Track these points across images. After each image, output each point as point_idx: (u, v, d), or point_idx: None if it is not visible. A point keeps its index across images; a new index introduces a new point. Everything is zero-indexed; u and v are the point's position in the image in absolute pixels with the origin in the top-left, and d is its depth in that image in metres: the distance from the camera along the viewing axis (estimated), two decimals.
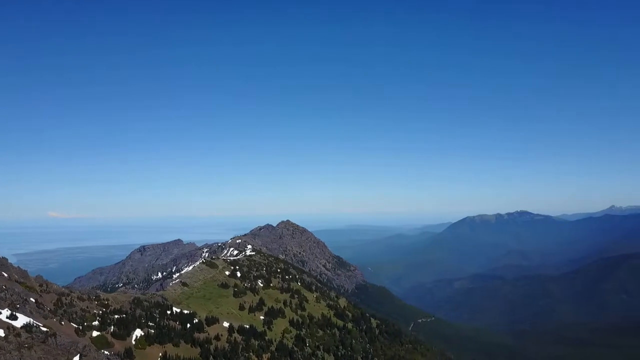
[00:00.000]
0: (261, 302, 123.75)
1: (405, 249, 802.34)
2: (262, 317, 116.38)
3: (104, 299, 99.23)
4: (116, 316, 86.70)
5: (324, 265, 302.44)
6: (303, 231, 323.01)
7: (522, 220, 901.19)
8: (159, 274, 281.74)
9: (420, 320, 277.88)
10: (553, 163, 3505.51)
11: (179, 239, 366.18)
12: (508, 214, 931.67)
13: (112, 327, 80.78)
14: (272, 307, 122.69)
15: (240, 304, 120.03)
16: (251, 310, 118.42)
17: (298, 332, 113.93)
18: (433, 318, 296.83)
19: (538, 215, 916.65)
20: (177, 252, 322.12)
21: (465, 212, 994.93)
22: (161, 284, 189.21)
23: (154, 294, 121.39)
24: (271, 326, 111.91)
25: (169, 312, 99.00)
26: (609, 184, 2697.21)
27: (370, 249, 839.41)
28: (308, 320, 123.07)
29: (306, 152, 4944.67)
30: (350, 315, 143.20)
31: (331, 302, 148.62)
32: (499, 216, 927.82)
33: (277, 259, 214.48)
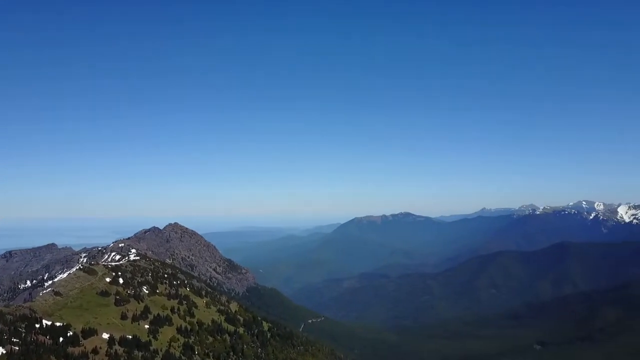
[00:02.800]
0: (146, 310, 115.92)
1: (296, 249, 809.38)
2: (147, 326, 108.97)
3: None
4: None
5: (214, 269, 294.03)
6: (192, 234, 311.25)
7: (405, 221, 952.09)
8: (28, 282, 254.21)
9: (310, 321, 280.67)
10: (431, 168, 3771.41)
11: (52, 243, 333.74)
12: (393, 215, 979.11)
13: None
14: (158, 314, 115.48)
15: (122, 312, 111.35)
16: (135, 319, 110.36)
17: (186, 340, 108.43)
18: (323, 318, 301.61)
19: (419, 216, 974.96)
20: (51, 258, 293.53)
21: (353, 213, 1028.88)
22: (30, 294, 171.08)
23: (20, 305, 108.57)
24: (157, 335, 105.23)
25: (37, 325, 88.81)
26: (481, 188, 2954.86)
27: (262, 250, 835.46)
28: (197, 327, 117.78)
29: (196, 153, 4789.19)
30: (241, 319, 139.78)
31: (222, 307, 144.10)
32: (384, 217, 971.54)
33: (164, 263, 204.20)
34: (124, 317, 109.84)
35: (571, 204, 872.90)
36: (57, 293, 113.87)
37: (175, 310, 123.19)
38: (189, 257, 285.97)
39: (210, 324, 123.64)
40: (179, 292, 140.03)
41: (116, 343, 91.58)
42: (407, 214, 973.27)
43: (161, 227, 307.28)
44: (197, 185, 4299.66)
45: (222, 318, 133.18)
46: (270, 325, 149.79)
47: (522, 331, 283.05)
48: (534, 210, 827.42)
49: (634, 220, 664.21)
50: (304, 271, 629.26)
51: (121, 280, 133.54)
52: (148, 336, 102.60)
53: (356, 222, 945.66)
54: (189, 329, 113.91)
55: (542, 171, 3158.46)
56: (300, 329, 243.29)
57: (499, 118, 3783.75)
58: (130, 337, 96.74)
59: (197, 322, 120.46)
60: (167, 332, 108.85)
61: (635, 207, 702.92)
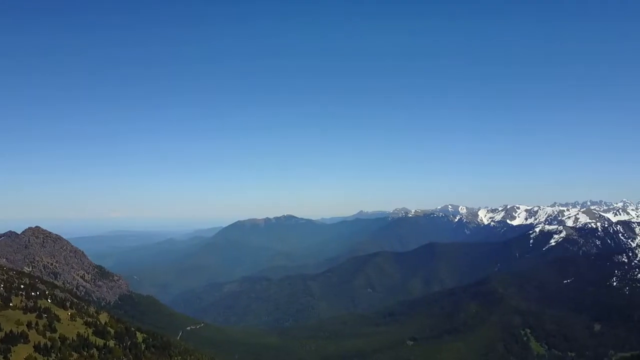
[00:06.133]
0: None
1: (175, 254, 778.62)
2: None
3: None
4: None
5: (82, 277, 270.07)
6: (57, 239, 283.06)
7: (288, 224, 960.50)
8: None
9: (189, 328, 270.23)
10: (312, 171, 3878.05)
11: None
12: (276, 218, 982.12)
13: None
14: (11, 331, 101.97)
15: None
16: None
17: (46, 358, 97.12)
18: (202, 324, 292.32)
19: (302, 219, 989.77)
20: None
21: (236, 217, 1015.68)
22: None
23: None
24: (9, 355, 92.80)
25: None
26: (358, 191, 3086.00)
27: (137, 256, 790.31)
28: (59, 343, 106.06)
29: (61, 149, 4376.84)
30: (112, 331, 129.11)
31: (90, 319, 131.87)
32: (267, 220, 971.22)
33: (21, 272, 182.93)
34: None
35: (439, 207, 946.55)
36: None
37: (33, 326, 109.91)
38: (52, 265, 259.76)
39: (75, 338, 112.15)
40: (38, 305, 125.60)
41: None
42: (290, 217, 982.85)
43: (19, 231, 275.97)
44: (62, 185, 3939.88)
45: (90, 331, 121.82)
46: (145, 335, 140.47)
47: (396, 328, 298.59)
48: (407, 213, 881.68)
49: (492, 223, 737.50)
50: (183, 276, 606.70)
51: None
52: None
53: (239, 226, 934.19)
54: (49, 346, 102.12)
55: (414, 177, 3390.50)
56: (178, 337, 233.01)
57: (373, 125, 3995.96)
58: None
59: (59, 338, 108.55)
60: (21, 351, 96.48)
61: (493, 210, 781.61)
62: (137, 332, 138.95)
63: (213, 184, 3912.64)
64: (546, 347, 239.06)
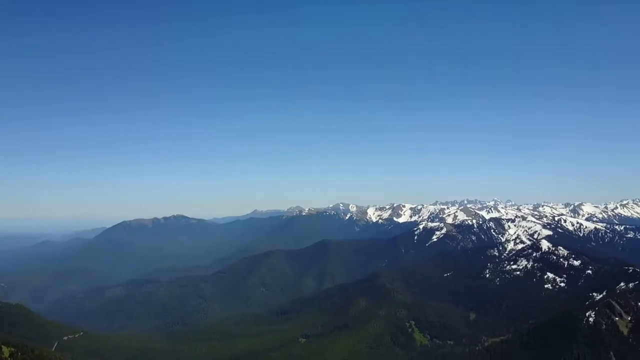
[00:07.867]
0: None
1: (52, 257, 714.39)
2: None
3: None
4: None
5: None
6: None
7: (178, 224, 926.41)
8: None
9: (66, 338, 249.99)
10: (205, 169, 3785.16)
11: None
12: (165, 218, 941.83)
13: None
14: None
15: None
16: None
17: None
18: (82, 333, 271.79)
19: (193, 219, 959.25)
20: None
21: (122, 217, 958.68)
22: None
23: None
24: None
25: None
26: (252, 191, 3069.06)
27: (7, 260, 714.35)
28: None
29: None
30: None
31: None
32: (155, 220, 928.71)
33: None
34: None
35: (331, 205, 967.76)
36: None
37: None
38: None
39: None
40: None
41: None
42: (181, 217, 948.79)
43: None
44: None
45: None
46: (12, 349, 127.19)
47: (289, 326, 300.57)
48: (301, 211, 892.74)
49: (380, 220, 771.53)
50: (61, 281, 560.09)
51: None
52: None
53: (124, 226, 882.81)
54: None
55: (308, 175, 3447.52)
56: (53, 349, 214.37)
57: (265, 122, 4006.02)
58: None
59: None
60: None
61: (381, 209, 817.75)
62: (2, 346, 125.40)
63: (95, 181, 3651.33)
64: (429, 337, 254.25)
